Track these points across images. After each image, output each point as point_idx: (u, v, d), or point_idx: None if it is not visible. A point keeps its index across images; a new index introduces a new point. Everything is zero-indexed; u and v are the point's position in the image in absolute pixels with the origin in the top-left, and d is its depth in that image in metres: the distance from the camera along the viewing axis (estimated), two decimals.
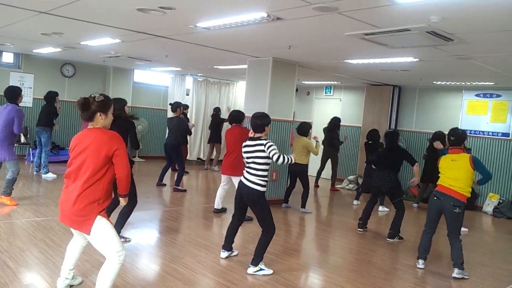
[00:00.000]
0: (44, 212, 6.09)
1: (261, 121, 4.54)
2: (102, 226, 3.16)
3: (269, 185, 7.59)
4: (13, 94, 6.46)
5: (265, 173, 4.45)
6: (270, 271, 4.48)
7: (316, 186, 10.43)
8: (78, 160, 3.16)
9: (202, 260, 4.73)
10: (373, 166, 6.84)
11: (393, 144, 6.41)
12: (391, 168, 6.26)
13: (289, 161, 4.62)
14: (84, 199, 3.12)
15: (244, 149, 4.57)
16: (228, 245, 4.85)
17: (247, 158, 4.50)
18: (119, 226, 5.13)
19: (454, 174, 4.84)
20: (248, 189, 4.44)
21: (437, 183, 5.02)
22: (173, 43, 6.89)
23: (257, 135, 4.55)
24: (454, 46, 5.31)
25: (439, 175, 5.03)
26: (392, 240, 6.21)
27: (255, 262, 4.46)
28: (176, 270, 4.36)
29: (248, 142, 4.56)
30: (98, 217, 3.15)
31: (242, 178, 4.56)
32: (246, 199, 4.53)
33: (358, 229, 6.58)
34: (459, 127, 9.32)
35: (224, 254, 4.84)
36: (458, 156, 4.88)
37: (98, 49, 8.41)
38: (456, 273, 4.85)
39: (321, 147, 10.19)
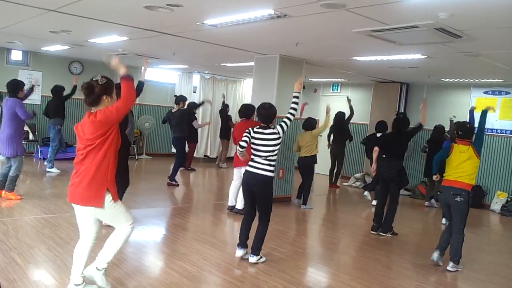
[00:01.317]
0: (52, 209, 6.13)
1: (272, 111, 4.67)
2: (112, 200, 3.27)
3: (275, 183, 7.61)
4: (15, 87, 6.47)
5: (275, 158, 4.61)
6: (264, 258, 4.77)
7: (336, 186, 10.29)
8: (82, 146, 3.23)
9: (209, 258, 4.73)
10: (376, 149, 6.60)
11: (400, 130, 6.26)
12: (397, 156, 6.20)
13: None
14: (93, 180, 3.20)
15: (254, 136, 4.59)
16: (243, 243, 4.78)
17: (258, 145, 4.55)
18: None
19: (461, 165, 4.89)
20: (260, 176, 4.54)
21: (444, 178, 5.07)
22: (180, 40, 6.90)
23: (264, 124, 4.65)
24: (462, 43, 5.27)
25: (447, 167, 5.05)
26: (385, 235, 6.19)
27: (257, 252, 4.67)
28: (182, 267, 4.37)
29: (259, 130, 4.60)
30: (108, 192, 3.25)
31: (249, 168, 4.61)
32: (256, 187, 4.60)
33: (372, 232, 6.30)
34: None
35: (240, 252, 4.75)
36: (466, 148, 4.92)
37: (105, 46, 8.43)
38: (451, 266, 4.95)
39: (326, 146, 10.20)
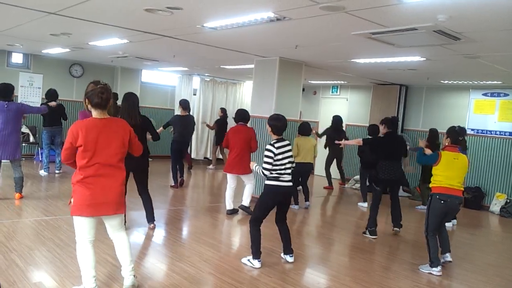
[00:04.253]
0: (52, 211, 6.14)
1: (282, 123, 4.67)
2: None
3: None
4: (6, 91, 6.42)
5: None
6: None
7: (341, 184, 10.61)
8: (105, 149, 3.32)
9: (209, 259, 4.75)
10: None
11: (394, 130, 6.31)
12: (399, 158, 6.25)
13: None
14: (122, 189, 3.47)
15: (279, 152, 4.50)
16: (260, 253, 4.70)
17: (283, 159, 4.53)
18: (151, 216, 5.71)
19: (456, 173, 4.83)
20: (291, 188, 4.68)
21: (436, 185, 4.88)
22: (180, 43, 6.92)
23: (279, 136, 4.67)
24: (461, 45, 5.29)
25: (436, 174, 4.90)
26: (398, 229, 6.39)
27: (292, 251, 4.88)
28: (182, 269, 4.38)
29: (280, 144, 4.56)
30: None
31: (282, 183, 4.55)
32: (288, 199, 4.76)
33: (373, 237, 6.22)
34: (467, 127, 9.37)
35: (260, 263, 4.63)
36: (458, 155, 4.87)
37: (106, 49, 8.46)
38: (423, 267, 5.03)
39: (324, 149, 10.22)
